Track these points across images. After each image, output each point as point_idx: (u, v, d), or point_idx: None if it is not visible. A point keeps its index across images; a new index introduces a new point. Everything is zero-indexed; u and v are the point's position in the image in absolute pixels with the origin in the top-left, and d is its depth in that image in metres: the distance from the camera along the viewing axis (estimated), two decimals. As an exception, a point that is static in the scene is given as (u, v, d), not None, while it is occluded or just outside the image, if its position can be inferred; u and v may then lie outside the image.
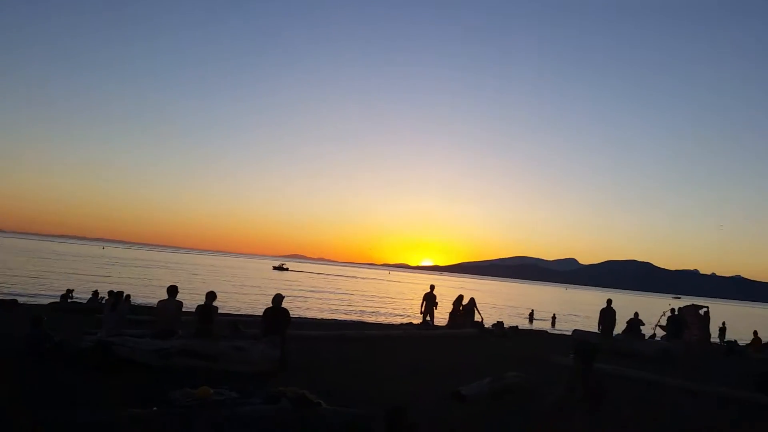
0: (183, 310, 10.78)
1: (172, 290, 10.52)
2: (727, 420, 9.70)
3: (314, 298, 45.11)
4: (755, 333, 24.25)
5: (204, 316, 10.71)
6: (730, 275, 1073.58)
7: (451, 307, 21.71)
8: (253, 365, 9.58)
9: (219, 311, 11.55)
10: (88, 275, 45.22)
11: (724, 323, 25.16)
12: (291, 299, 37.28)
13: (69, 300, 21.15)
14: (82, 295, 23.90)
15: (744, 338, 27.53)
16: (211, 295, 10.93)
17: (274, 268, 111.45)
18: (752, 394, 11.50)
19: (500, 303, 61.53)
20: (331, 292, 54.92)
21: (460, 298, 21.54)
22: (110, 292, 15.78)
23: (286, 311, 11.00)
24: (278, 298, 10.92)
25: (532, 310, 44.20)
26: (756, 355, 20.78)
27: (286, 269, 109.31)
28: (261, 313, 11.57)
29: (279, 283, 58.70)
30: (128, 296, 19.83)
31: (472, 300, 21.80)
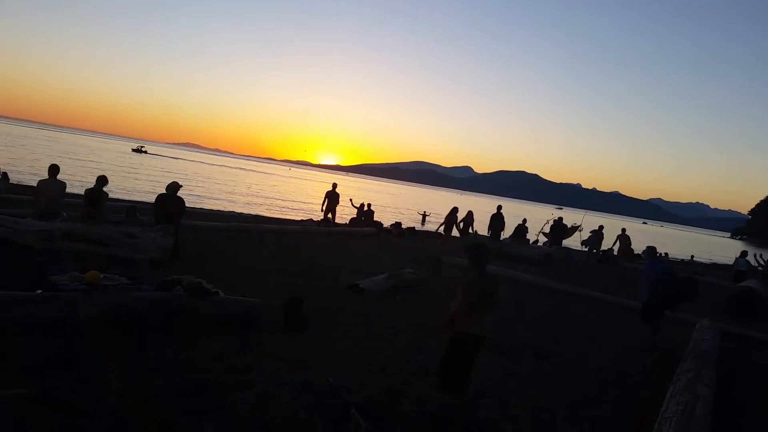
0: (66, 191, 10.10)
1: (54, 170, 9.75)
2: (594, 316, 10.72)
3: (209, 189, 43.80)
4: (629, 245, 26.48)
5: (92, 199, 10.11)
6: (610, 191, 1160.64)
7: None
8: (144, 253, 9.21)
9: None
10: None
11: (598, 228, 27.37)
12: (184, 188, 36.04)
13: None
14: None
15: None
16: (101, 179, 10.37)
17: (133, 150, 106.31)
18: (615, 297, 12.71)
19: (401, 205, 62.97)
20: (227, 185, 53.44)
21: (455, 210, 20.58)
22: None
23: (181, 199, 10.57)
24: (174, 186, 10.44)
25: (425, 213, 44.94)
26: (626, 263, 22.85)
27: (145, 152, 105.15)
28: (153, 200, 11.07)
29: (166, 173, 56.20)
30: (5, 174, 18.35)
31: (470, 213, 20.75)
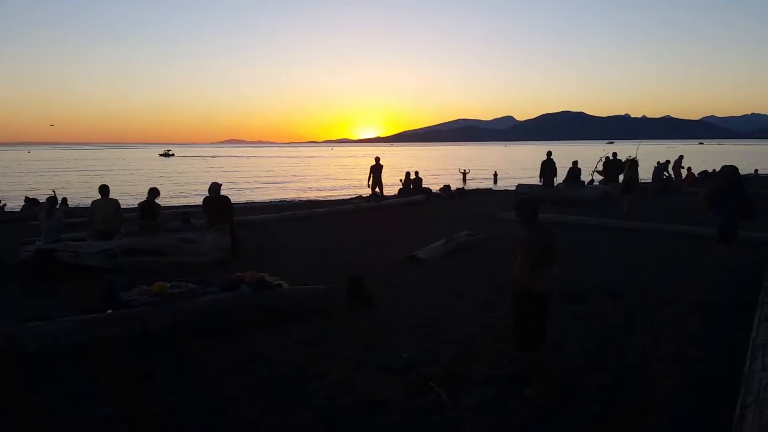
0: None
1: (104, 189, 10.00)
2: (663, 249, 10.33)
3: (255, 182, 44.39)
4: (689, 169, 25.39)
5: (146, 212, 10.37)
6: (660, 116, 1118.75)
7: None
8: (205, 256, 9.40)
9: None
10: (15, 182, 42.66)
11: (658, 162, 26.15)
12: (231, 185, 36.53)
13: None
14: (13, 203, 22.67)
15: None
16: (153, 191, 10.64)
17: (160, 155, 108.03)
18: (681, 226, 12.20)
19: (443, 167, 62.36)
20: (273, 175, 54.08)
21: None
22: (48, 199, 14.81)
23: (226, 198, 10.75)
24: (215, 186, 10.58)
25: (465, 171, 43.34)
26: (689, 189, 21.84)
27: (172, 155, 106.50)
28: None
29: (212, 172, 57.13)
30: (64, 199, 19.04)
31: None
